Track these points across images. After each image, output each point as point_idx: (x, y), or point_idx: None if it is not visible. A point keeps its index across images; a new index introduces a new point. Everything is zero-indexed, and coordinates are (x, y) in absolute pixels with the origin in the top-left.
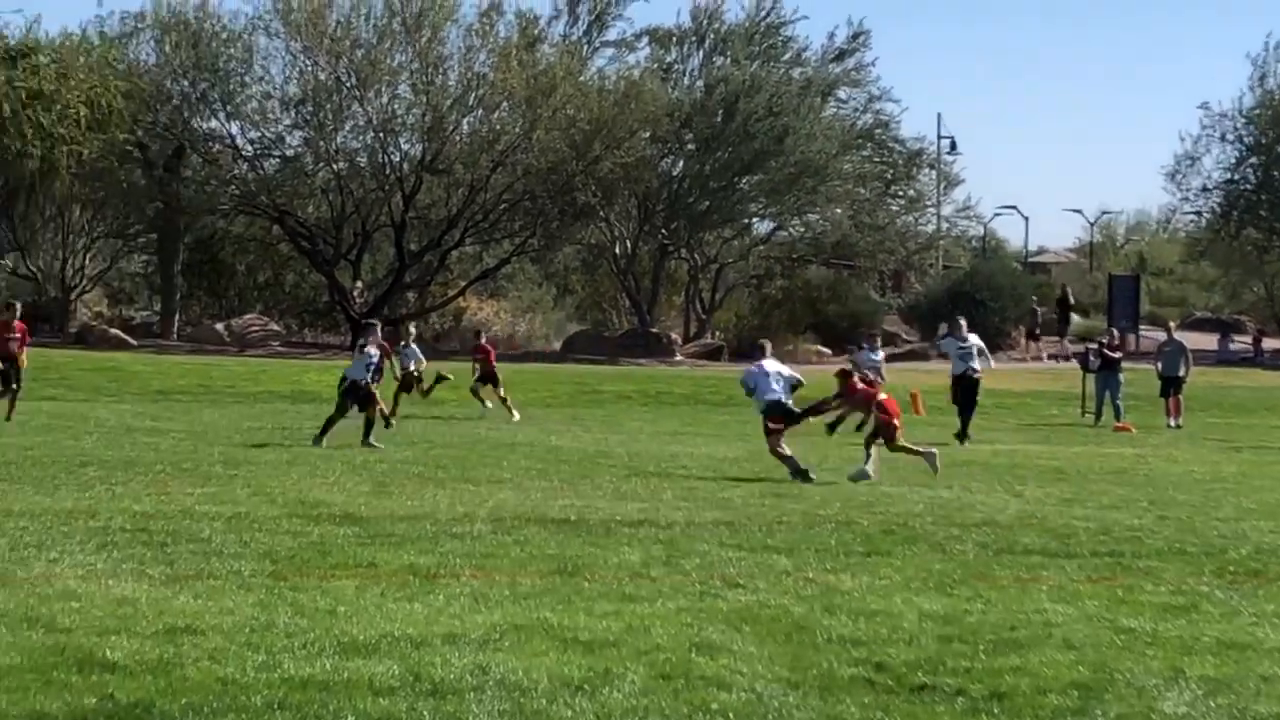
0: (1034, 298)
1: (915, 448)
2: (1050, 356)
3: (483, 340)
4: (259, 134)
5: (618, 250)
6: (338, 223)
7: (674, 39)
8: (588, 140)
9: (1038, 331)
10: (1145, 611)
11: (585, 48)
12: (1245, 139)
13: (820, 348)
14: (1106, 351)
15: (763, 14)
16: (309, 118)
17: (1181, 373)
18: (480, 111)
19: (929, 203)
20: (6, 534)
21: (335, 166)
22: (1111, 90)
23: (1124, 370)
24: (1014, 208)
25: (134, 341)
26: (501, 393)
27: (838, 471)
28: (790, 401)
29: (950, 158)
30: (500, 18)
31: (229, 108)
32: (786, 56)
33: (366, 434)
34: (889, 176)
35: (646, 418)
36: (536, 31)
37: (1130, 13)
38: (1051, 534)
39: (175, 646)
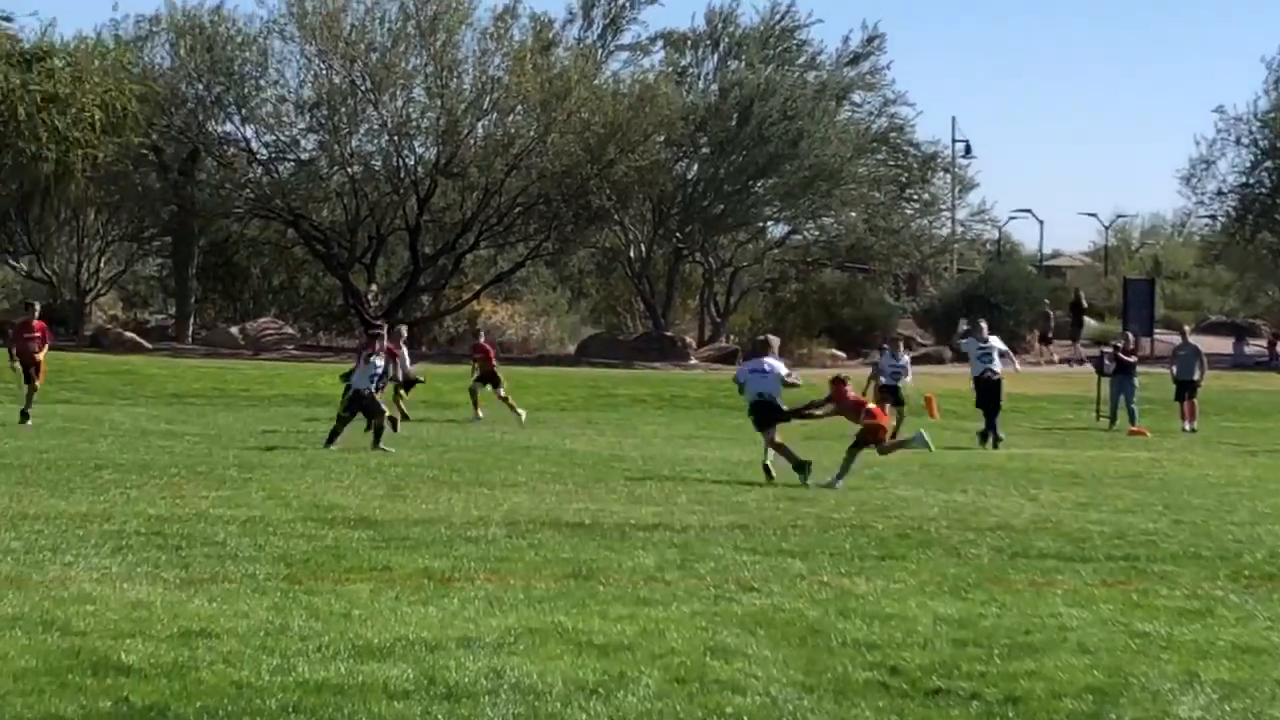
0: (1046, 301)
1: (900, 438)
2: (1062, 360)
3: (481, 339)
4: (274, 137)
5: (632, 254)
6: (352, 226)
7: (688, 42)
8: (602, 144)
9: (1050, 335)
10: (1160, 616)
11: (600, 51)
12: (1260, 142)
13: (835, 351)
14: (1121, 355)
15: (777, 17)
16: (324, 121)
17: (1196, 376)
18: (495, 115)
19: (944, 206)
20: (22, 537)
21: (350, 170)
22: (1126, 94)
23: (1139, 374)
24: (1029, 211)
25: (149, 345)
26: (502, 393)
27: (854, 475)
28: (779, 398)
29: (965, 161)
30: (515, 21)
31: (244, 111)
32: (801, 60)
33: (376, 441)
34: (904, 180)
35: (661, 421)
36: (551, 35)
37: (1145, 16)
38: (1066, 538)
39: (190, 650)
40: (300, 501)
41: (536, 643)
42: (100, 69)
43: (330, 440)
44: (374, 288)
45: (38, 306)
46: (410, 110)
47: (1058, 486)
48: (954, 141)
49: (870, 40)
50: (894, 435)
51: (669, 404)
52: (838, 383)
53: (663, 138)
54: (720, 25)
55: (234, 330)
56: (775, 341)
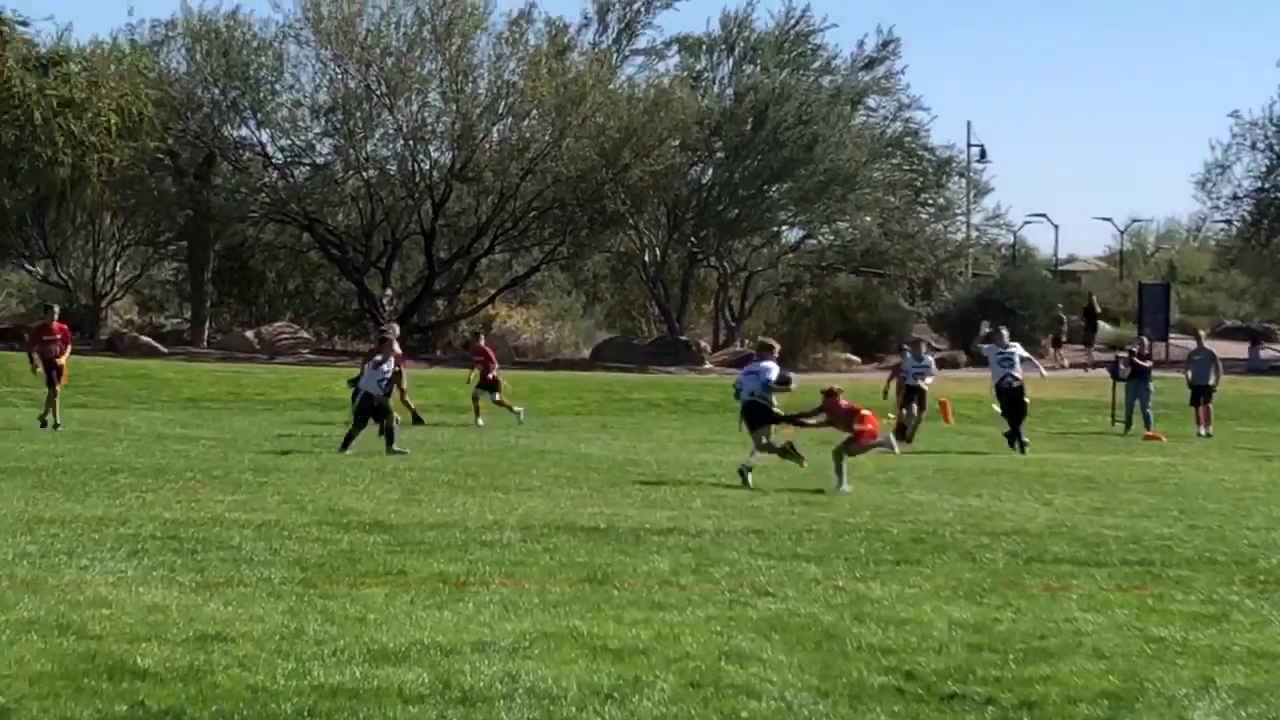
0: (1059, 305)
1: (844, 472)
2: (1073, 365)
3: (481, 342)
4: (289, 142)
5: (647, 258)
6: (367, 230)
7: (703, 47)
8: (617, 148)
9: (1063, 339)
10: (1175, 620)
11: (615, 56)
12: (1276, 147)
13: (849, 356)
14: (1137, 360)
15: (792, 22)
16: (339, 125)
17: (1212, 381)
18: (510, 119)
19: (959, 211)
20: (38, 541)
21: (365, 174)
22: (1141, 99)
23: (1154, 379)
24: (1044, 216)
25: (164, 349)
26: (498, 398)
27: (869, 479)
28: (768, 399)
29: (980, 166)
30: (530, 26)
31: (259, 115)
32: (816, 64)
33: (389, 445)
34: (918, 185)
35: (675, 426)
36: (566, 40)
37: (1161, 21)
38: (1081, 543)
39: (205, 654)
40: (315, 506)
41: (551, 647)
42: (116, 73)
43: (345, 444)
44: (389, 292)
45: (57, 309)
46: (425, 115)
47: (1073, 491)
48: (969, 146)
49: (885, 45)
50: (910, 436)
51: (684, 408)
52: (829, 395)
53: (677, 142)
54: (735, 30)
55: (249, 334)
56: (776, 345)
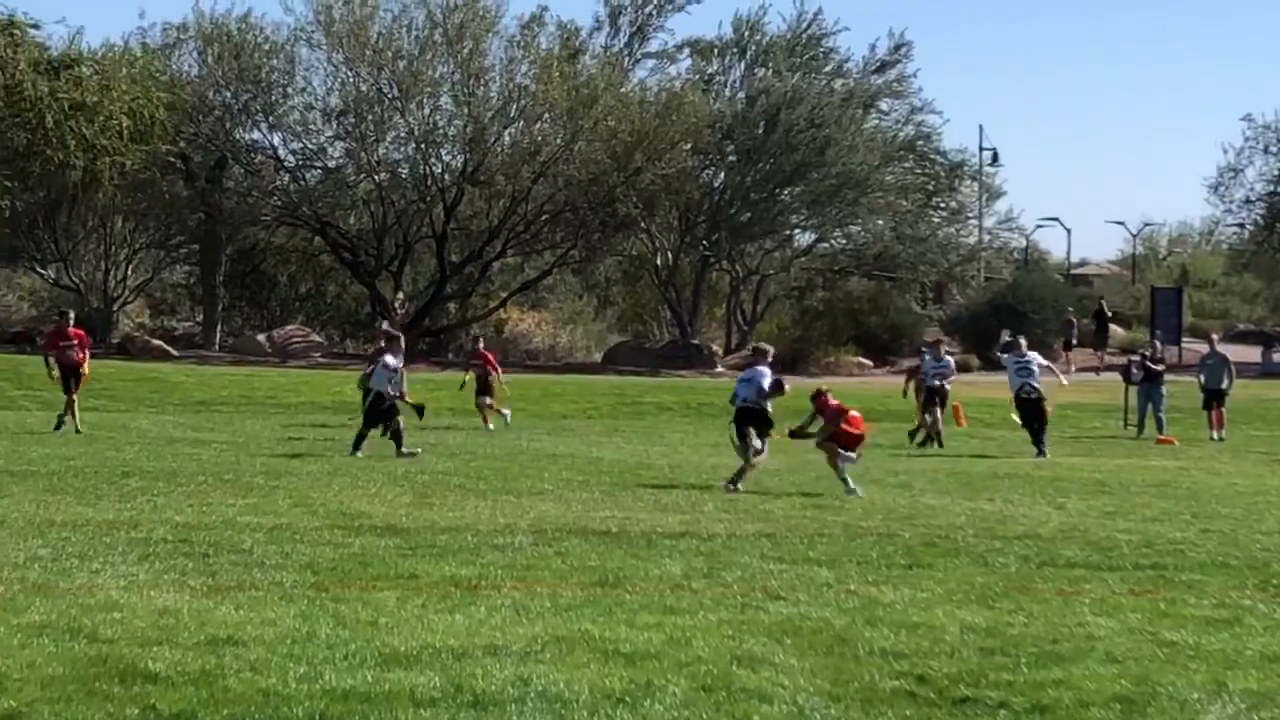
0: (1069, 309)
1: (847, 477)
2: (1081, 369)
3: (481, 346)
4: (301, 145)
5: (659, 262)
6: (379, 234)
7: (715, 50)
8: (629, 152)
9: (1074, 342)
10: (1188, 625)
11: (626, 59)
12: None
13: (861, 359)
14: (1149, 364)
15: (804, 25)
16: (350, 129)
17: (1224, 385)
18: (522, 123)
19: (971, 215)
20: (49, 544)
21: (377, 178)
22: (1154, 102)
23: (1166, 383)
24: (1056, 219)
25: (176, 352)
26: (489, 401)
27: (881, 484)
28: (761, 405)
29: (992, 169)
30: (541, 29)
31: (271, 119)
32: (828, 68)
33: (399, 448)
34: (931, 188)
35: (687, 429)
36: (578, 43)
37: (1175, 25)
38: (1094, 547)
39: (217, 657)
40: (327, 509)
41: (563, 651)
42: (128, 77)
43: (355, 447)
44: (401, 295)
45: (72, 314)
46: (437, 118)
47: (1085, 495)
48: (981, 149)
49: (897, 48)
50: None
51: (695, 412)
52: (818, 395)
53: (689, 146)
54: (747, 33)
55: (261, 338)
56: (770, 350)
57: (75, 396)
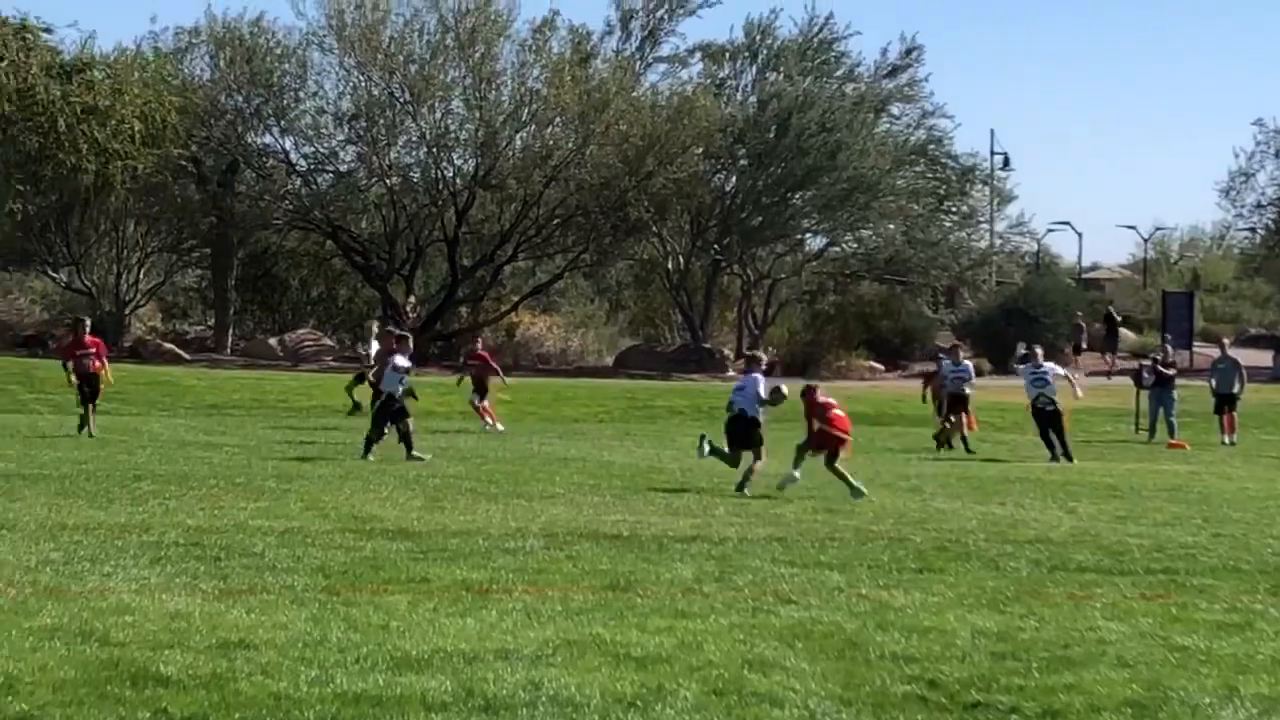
0: (1078, 314)
1: (849, 478)
2: (1089, 374)
3: (478, 347)
4: (312, 149)
5: (670, 265)
6: (391, 238)
7: (727, 54)
8: (640, 156)
9: (1082, 346)
10: (1199, 629)
11: (638, 63)
12: None
13: (873, 363)
14: (1161, 368)
15: (816, 29)
16: (362, 133)
17: (1236, 389)
18: (533, 127)
19: (982, 219)
20: (61, 548)
21: (388, 181)
22: (1165, 106)
23: (1178, 387)
24: (1067, 224)
25: (187, 356)
26: (481, 402)
27: (892, 488)
28: (755, 413)
29: (1003, 174)
30: (553, 34)
31: (283, 123)
32: (839, 72)
33: (409, 450)
34: (942, 192)
35: (699, 433)
36: (589, 47)
37: (1185, 28)
38: (1105, 551)
39: (228, 661)
40: (338, 513)
41: (574, 655)
42: (140, 81)
43: (366, 451)
44: (412, 299)
45: (88, 321)
46: (449, 122)
47: (1096, 499)
48: (992, 154)
49: (908, 52)
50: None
51: (707, 416)
52: (807, 392)
53: (701, 150)
54: (758, 37)
55: (273, 341)
56: (764, 357)
57: (94, 405)
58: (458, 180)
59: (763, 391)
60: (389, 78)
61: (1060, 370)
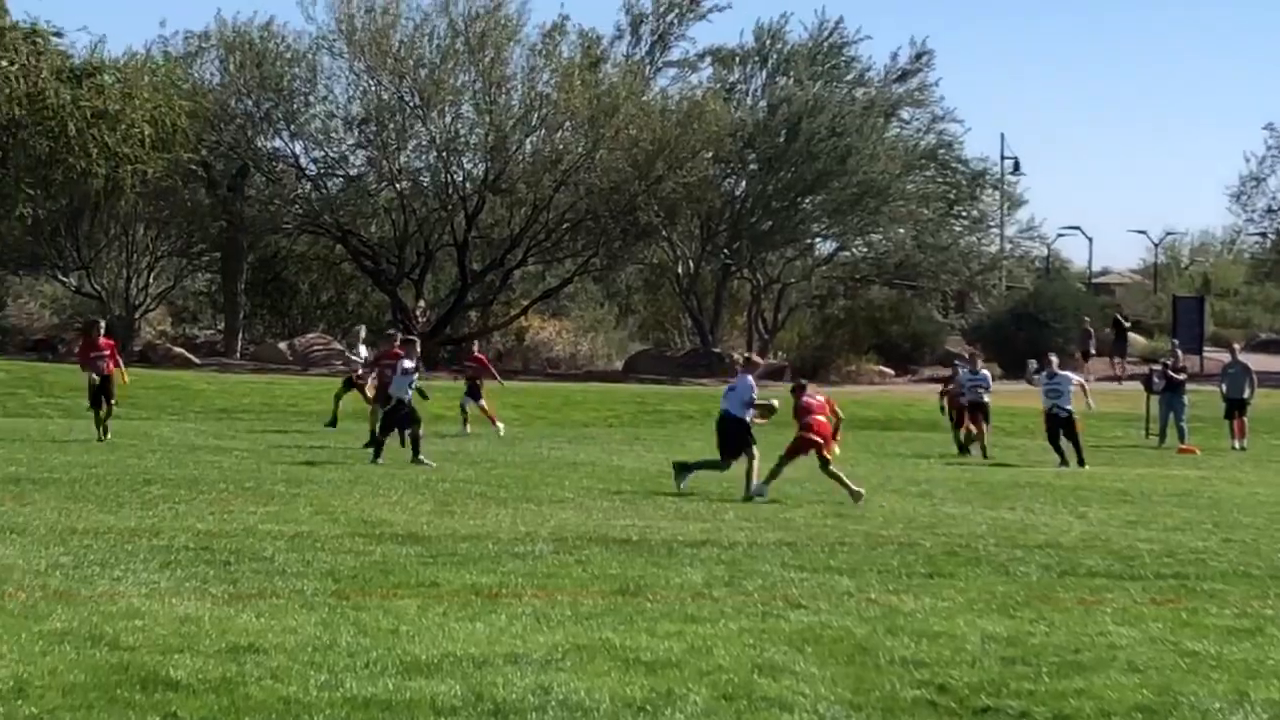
0: (1086, 318)
1: (847, 482)
2: (1098, 379)
3: (475, 350)
4: (322, 153)
5: (680, 270)
6: (400, 242)
7: (737, 59)
8: (650, 160)
9: (1091, 351)
10: (1210, 634)
11: (648, 68)
12: None
13: (883, 368)
14: (1171, 373)
15: (825, 34)
16: (372, 137)
17: (1246, 394)
18: (543, 131)
19: (992, 223)
20: (71, 552)
21: (398, 186)
22: (1176, 111)
23: (1188, 392)
24: (1078, 228)
25: (197, 360)
26: (482, 404)
27: (902, 493)
28: (741, 413)
29: (1014, 178)
30: (563, 38)
31: (292, 127)
32: (849, 77)
33: (415, 453)
34: (952, 197)
35: (708, 438)
36: (599, 51)
37: (1196, 33)
38: (1115, 556)
39: (238, 665)
40: (348, 517)
41: (584, 659)
42: (150, 85)
43: (376, 455)
44: (422, 304)
45: (101, 324)
46: (459, 126)
47: (1106, 504)
48: (1003, 158)
49: (919, 57)
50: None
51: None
52: (796, 390)
53: (711, 154)
54: (768, 42)
55: (282, 345)
56: (760, 362)
57: (108, 406)
58: (467, 184)
59: (752, 395)
60: (399, 82)
61: (1076, 378)
